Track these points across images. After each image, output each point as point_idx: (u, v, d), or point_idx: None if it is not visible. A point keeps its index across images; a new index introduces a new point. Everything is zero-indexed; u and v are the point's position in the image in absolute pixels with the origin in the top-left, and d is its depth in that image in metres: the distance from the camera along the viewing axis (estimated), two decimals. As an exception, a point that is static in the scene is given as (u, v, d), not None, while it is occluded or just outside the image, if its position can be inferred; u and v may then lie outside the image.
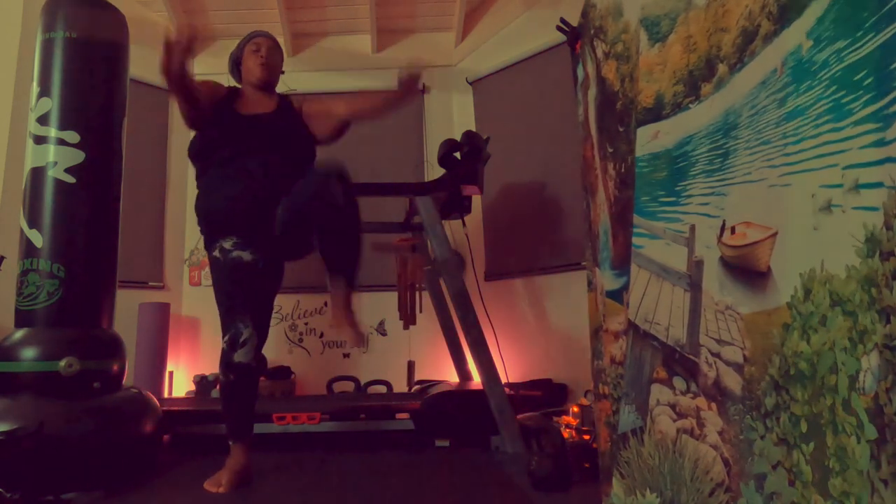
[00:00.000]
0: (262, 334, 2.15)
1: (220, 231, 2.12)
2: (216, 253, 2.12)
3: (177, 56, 1.96)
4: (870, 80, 0.68)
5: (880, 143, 0.66)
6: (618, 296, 1.52)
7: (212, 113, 2.19)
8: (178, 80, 2.03)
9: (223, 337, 2.11)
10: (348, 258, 2.11)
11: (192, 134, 2.27)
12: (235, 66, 2.40)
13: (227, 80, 3.93)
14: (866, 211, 0.67)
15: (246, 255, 2.09)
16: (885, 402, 0.63)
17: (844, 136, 0.72)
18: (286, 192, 2.09)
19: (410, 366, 3.80)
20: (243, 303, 2.11)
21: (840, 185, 0.72)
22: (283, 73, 2.45)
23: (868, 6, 0.69)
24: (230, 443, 2.14)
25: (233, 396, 2.14)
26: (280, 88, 2.46)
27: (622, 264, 1.49)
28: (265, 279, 2.18)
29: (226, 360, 2.08)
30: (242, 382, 2.11)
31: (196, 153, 2.24)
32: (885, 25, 0.66)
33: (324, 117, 2.34)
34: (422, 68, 2.30)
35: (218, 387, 2.22)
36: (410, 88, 2.25)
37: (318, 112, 2.37)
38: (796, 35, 0.83)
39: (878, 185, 0.65)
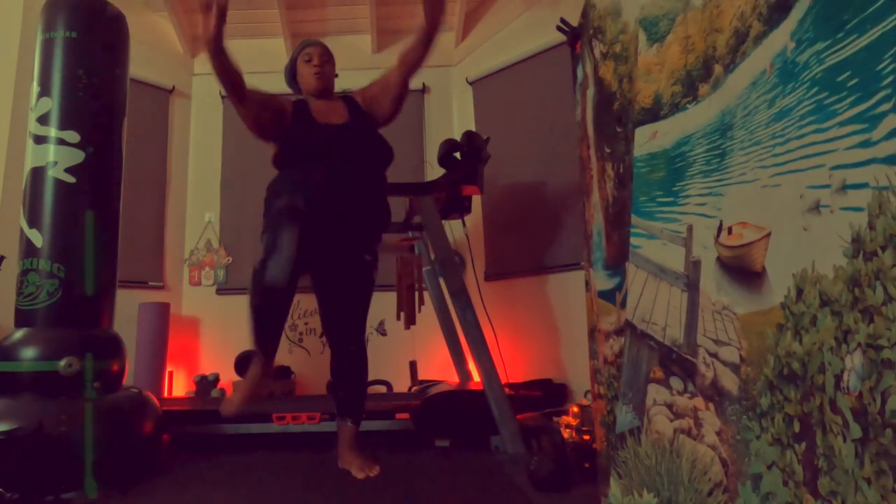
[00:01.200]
0: (298, 269, 2.09)
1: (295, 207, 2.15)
2: (282, 202, 2.15)
3: (213, 20, 2.02)
4: (855, 81, 0.68)
5: (866, 144, 0.66)
6: (610, 296, 1.53)
7: (278, 124, 2.27)
8: (217, 50, 2.09)
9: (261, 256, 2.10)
10: (357, 404, 2.32)
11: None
12: (292, 78, 2.45)
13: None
14: (853, 211, 0.67)
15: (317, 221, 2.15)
16: (870, 402, 0.63)
17: (830, 137, 0.72)
18: (359, 194, 2.22)
19: (412, 365, 3.81)
20: (294, 242, 2.08)
21: (828, 186, 0.72)
22: (336, 76, 2.48)
23: (849, 8, 0.69)
24: (252, 355, 2.06)
25: (262, 311, 2.07)
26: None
27: (615, 264, 1.49)
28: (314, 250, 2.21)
29: (260, 274, 2.06)
30: (275, 298, 2.07)
31: (281, 162, 2.29)
32: (869, 27, 0.66)
33: (381, 94, 2.40)
34: None
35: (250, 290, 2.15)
36: (436, 9, 2.22)
37: (375, 93, 2.42)
38: (782, 36, 0.83)
39: (864, 185, 0.66)
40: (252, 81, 2.40)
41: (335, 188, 2.17)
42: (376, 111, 2.39)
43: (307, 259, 2.12)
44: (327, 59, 2.42)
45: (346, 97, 2.43)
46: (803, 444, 0.76)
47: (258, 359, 2.07)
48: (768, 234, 0.86)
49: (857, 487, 0.65)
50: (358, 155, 2.26)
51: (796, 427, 0.78)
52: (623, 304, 1.44)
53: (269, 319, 2.10)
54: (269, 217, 2.18)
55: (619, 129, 1.51)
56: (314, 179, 2.15)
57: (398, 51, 2.44)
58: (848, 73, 0.69)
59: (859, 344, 0.66)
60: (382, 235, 2.45)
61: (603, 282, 1.60)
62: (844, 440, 0.67)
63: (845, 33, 0.69)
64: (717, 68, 1.04)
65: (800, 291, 0.78)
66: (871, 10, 0.65)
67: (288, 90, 2.52)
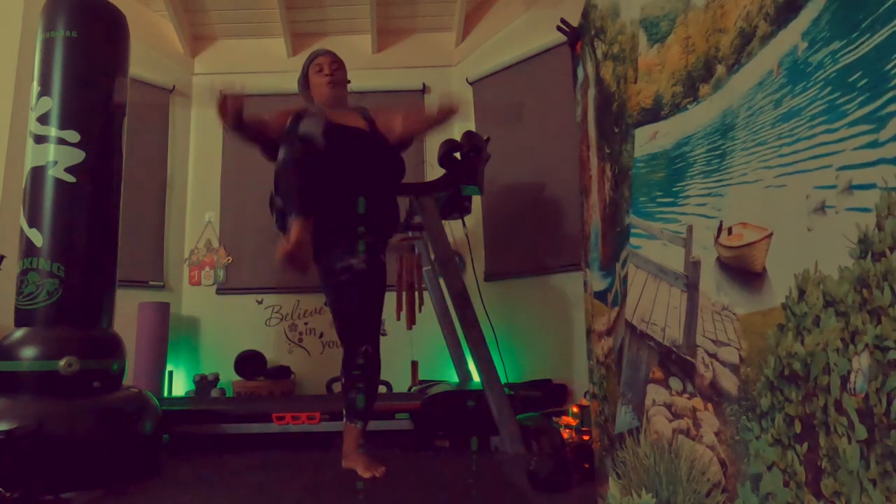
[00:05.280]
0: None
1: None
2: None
3: (230, 114, 2.06)
4: (864, 81, 0.68)
5: (874, 145, 0.66)
6: (603, 297, 1.53)
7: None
8: (237, 131, 2.16)
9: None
10: (369, 406, 2.29)
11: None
12: (305, 88, 2.47)
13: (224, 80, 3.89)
14: (859, 212, 0.67)
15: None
16: (875, 403, 0.63)
17: (839, 138, 0.72)
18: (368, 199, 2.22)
19: (414, 366, 3.81)
20: None
21: (834, 187, 0.72)
22: (349, 82, 2.51)
23: (864, 7, 0.69)
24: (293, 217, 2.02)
25: (294, 168, 2.07)
26: None
27: (608, 265, 1.50)
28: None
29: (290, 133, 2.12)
30: (305, 156, 2.07)
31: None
32: (880, 27, 0.66)
33: (387, 131, 2.44)
34: (459, 101, 2.42)
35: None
36: (447, 114, 2.35)
37: (383, 125, 2.45)
38: (792, 36, 0.83)
39: (871, 186, 0.65)
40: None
41: (344, 197, 2.20)
42: (389, 136, 2.43)
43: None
44: (338, 66, 2.44)
45: (362, 108, 2.46)
46: (805, 445, 0.76)
47: (298, 220, 1.99)
48: (770, 235, 0.86)
49: (862, 489, 0.65)
50: (378, 161, 2.32)
51: (798, 428, 0.78)
52: (614, 304, 1.44)
53: (307, 173, 2.06)
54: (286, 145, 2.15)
55: (616, 130, 1.51)
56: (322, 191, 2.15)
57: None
58: (859, 73, 0.70)
59: (867, 345, 0.65)
60: (393, 231, 2.50)
61: (598, 282, 1.60)
62: (849, 441, 0.67)
63: (860, 33, 0.69)
64: (720, 69, 1.04)
65: (802, 292, 0.78)
66: (882, 9, 0.65)
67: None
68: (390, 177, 2.43)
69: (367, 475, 2.12)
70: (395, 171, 2.45)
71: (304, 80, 2.47)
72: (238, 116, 2.08)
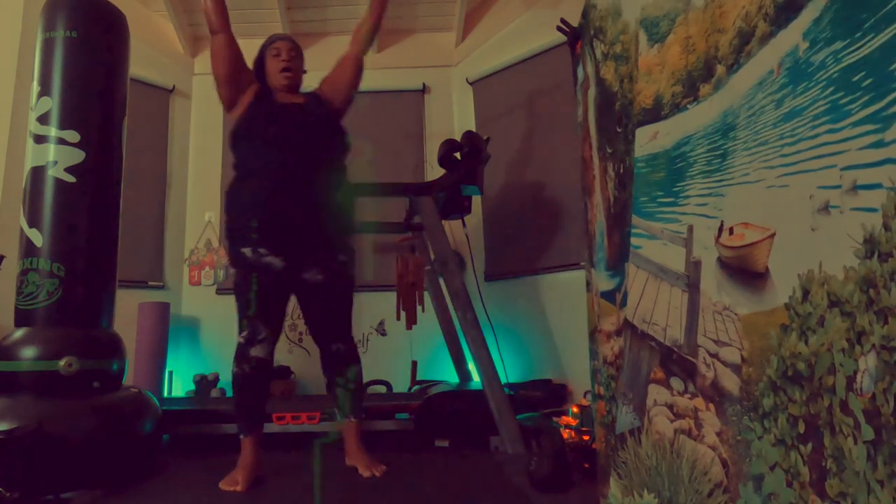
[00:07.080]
0: (277, 334, 2.22)
1: (253, 233, 2.16)
2: (247, 251, 2.15)
3: None
4: (868, 81, 0.68)
5: (879, 145, 0.65)
6: (611, 296, 1.53)
7: (242, 79, 2.32)
8: None
9: (240, 333, 2.15)
10: (357, 400, 2.33)
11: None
12: (259, 70, 2.44)
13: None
14: (864, 212, 0.67)
15: (277, 263, 2.15)
16: (882, 403, 0.63)
17: (843, 138, 0.72)
18: (319, 192, 2.18)
19: (414, 366, 3.81)
20: (267, 306, 2.17)
21: (838, 187, 0.72)
22: (305, 72, 2.47)
23: (867, 7, 0.69)
24: (241, 437, 2.15)
25: (246, 390, 2.15)
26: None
27: (616, 265, 1.49)
28: (289, 285, 2.24)
29: (242, 353, 2.13)
30: (256, 375, 2.14)
31: (235, 139, 2.28)
32: (884, 26, 0.66)
33: (337, 76, 2.44)
34: None
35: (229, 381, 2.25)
36: None
37: (332, 78, 2.45)
38: (793, 36, 0.83)
39: (877, 186, 0.65)
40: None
41: (293, 194, 2.16)
42: (335, 97, 2.41)
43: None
44: (296, 54, 2.41)
45: (310, 92, 2.44)
46: (809, 446, 0.76)
47: (249, 439, 2.14)
48: (772, 235, 0.86)
49: (869, 489, 0.64)
50: (314, 132, 2.27)
51: (801, 428, 0.78)
52: (623, 305, 1.44)
53: (258, 393, 2.19)
54: (236, 272, 2.22)
55: (619, 130, 1.51)
56: (269, 189, 2.16)
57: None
58: (863, 73, 0.69)
59: (873, 345, 0.65)
60: (355, 228, 2.44)
61: (605, 282, 1.60)
62: (855, 442, 0.67)
63: (863, 32, 0.69)
64: (720, 69, 1.04)
65: (806, 292, 0.78)
66: (886, 9, 0.65)
67: None
68: (332, 156, 2.32)
69: (366, 474, 2.14)
70: (336, 141, 2.35)
71: (260, 62, 2.42)
72: None
